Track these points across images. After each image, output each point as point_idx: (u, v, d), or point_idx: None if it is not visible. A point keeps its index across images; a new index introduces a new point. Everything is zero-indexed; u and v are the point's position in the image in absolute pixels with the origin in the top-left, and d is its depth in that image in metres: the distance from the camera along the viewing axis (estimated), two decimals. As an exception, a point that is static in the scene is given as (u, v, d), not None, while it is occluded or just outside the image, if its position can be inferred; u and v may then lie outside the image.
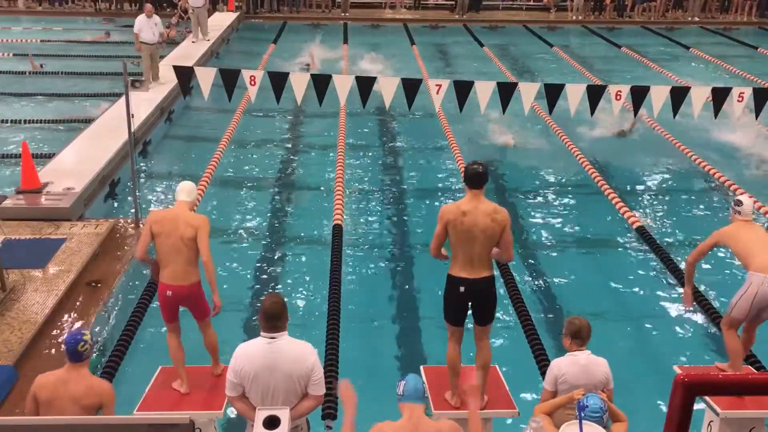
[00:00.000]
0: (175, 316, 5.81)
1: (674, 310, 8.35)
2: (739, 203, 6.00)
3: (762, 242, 5.75)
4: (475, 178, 5.39)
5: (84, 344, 4.73)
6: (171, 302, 5.71)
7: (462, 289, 5.38)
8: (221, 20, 23.96)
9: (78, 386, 4.70)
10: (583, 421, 3.41)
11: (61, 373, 4.78)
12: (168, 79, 14.95)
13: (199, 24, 20.38)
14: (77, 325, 7.64)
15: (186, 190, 5.87)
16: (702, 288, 8.35)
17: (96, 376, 5.00)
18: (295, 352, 4.49)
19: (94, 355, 6.96)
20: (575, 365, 4.92)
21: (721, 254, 8.92)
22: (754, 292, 5.55)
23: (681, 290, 8.51)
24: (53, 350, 7.10)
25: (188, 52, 19.15)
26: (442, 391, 5.73)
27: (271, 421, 3.08)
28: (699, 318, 8.14)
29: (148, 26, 15.29)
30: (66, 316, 7.76)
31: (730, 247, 5.89)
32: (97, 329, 7.75)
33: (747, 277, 5.65)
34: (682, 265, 9.05)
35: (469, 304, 5.49)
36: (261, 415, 3.02)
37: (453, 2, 28.04)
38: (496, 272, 6.05)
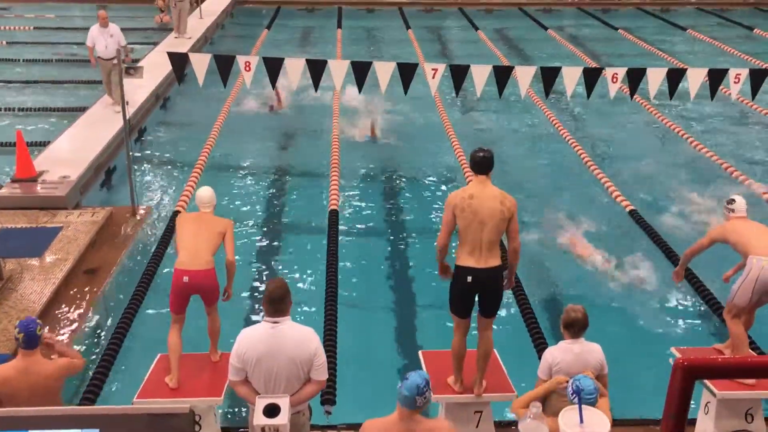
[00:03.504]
0: (184, 307, 5.80)
1: (670, 291, 8.38)
2: (731, 201, 6.02)
3: (759, 230, 5.78)
4: (482, 164, 5.38)
5: (41, 328, 4.70)
6: (186, 289, 5.69)
7: (469, 279, 5.31)
8: (215, 5, 23.78)
9: (37, 375, 4.61)
10: (583, 405, 3.41)
11: (17, 364, 4.67)
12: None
13: (179, 20, 19.05)
14: (75, 312, 7.65)
15: (205, 200, 6.02)
16: (698, 270, 8.36)
17: (47, 360, 4.81)
18: (298, 337, 4.51)
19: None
20: (569, 353, 4.89)
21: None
22: (756, 276, 5.53)
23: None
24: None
25: (180, 41, 18.94)
26: (442, 376, 5.72)
27: (271, 410, 3.09)
28: (694, 299, 8.17)
29: (101, 38, 12.80)
30: (63, 305, 7.76)
31: (729, 241, 5.86)
32: (94, 317, 7.76)
33: (747, 263, 5.64)
34: (676, 247, 9.11)
35: (476, 294, 5.41)
36: (261, 404, 3.03)
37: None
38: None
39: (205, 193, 6.07)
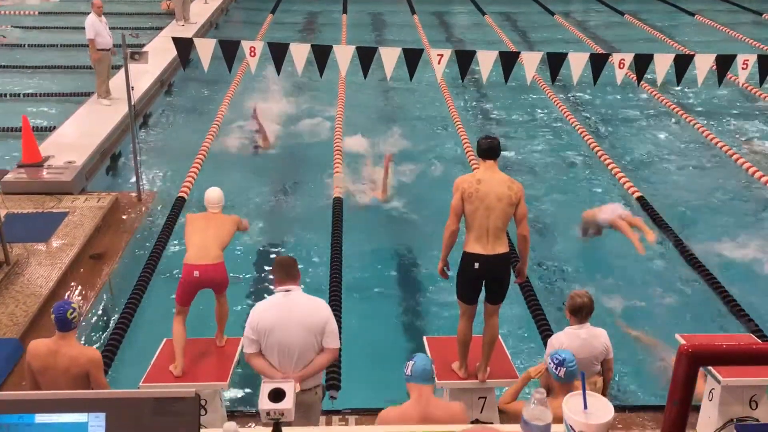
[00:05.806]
0: (191, 301, 5.84)
1: (675, 277, 8.37)
2: None
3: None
4: (489, 151, 5.41)
5: (72, 312, 4.77)
6: (196, 283, 5.71)
7: (476, 265, 5.29)
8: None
9: (65, 357, 4.76)
10: (587, 391, 3.42)
11: (51, 343, 4.81)
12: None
13: (183, 6, 18.85)
14: (81, 297, 7.69)
15: (214, 201, 6.03)
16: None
17: (82, 344, 4.98)
18: (310, 304, 4.71)
19: (81, 323, 6.99)
20: (576, 339, 4.92)
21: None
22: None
23: (680, 261, 8.57)
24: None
25: (185, 26, 18.87)
26: (447, 362, 5.73)
27: (277, 394, 3.11)
28: (698, 284, 8.16)
29: (105, 29, 12.37)
30: (70, 290, 7.79)
31: None
32: (100, 302, 7.79)
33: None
34: (681, 231, 9.09)
35: (483, 281, 5.39)
36: (266, 389, 3.05)
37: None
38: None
39: (214, 194, 6.08)
